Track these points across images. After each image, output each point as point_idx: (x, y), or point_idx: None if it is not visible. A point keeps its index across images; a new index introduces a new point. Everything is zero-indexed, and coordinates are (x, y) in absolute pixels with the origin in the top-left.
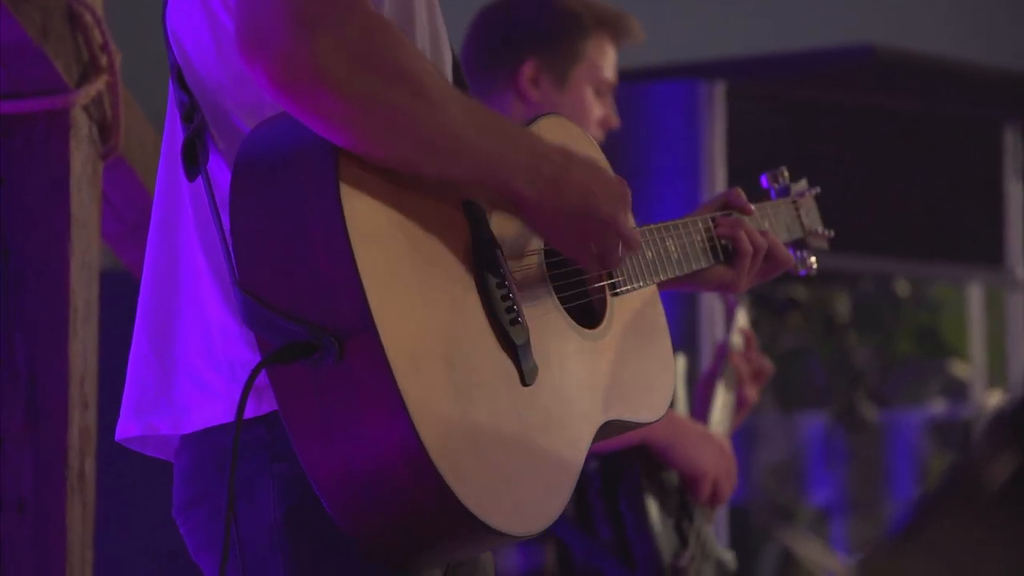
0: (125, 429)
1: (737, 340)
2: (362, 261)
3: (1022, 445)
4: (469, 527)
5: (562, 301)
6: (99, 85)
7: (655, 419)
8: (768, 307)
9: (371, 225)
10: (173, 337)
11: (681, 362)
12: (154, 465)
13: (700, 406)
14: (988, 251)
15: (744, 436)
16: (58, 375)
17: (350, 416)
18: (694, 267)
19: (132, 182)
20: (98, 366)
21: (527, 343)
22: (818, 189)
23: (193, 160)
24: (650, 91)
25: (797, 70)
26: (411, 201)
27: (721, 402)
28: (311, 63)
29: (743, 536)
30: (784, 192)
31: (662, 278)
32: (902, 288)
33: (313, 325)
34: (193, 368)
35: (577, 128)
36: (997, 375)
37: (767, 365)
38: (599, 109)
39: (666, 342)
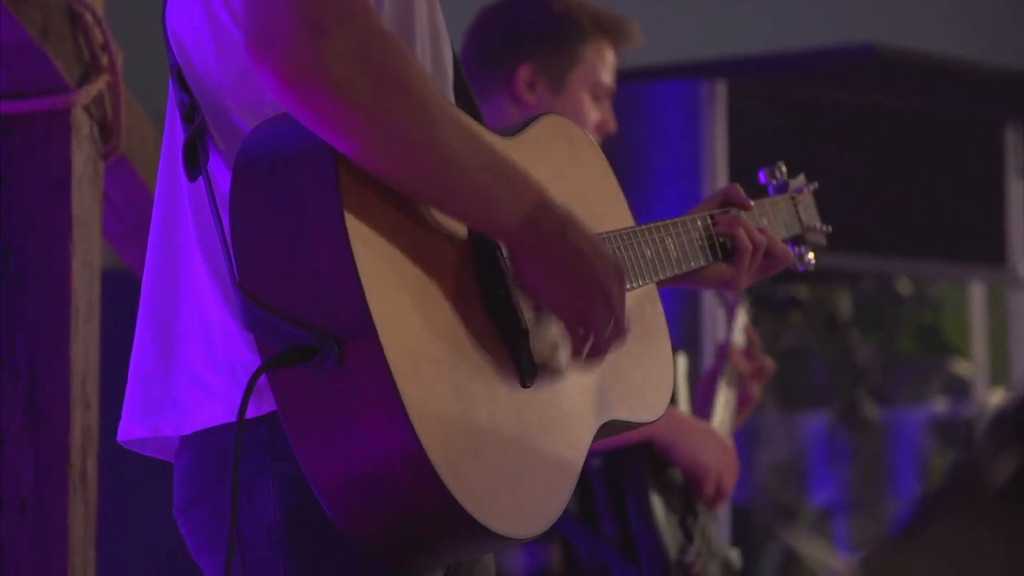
0: (129, 431)
1: (738, 339)
2: (362, 262)
3: None
4: (469, 528)
5: None
6: (100, 85)
7: (655, 418)
8: (769, 306)
9: (371, 225)
10: (174, 337)
11: (683, 362)
12: (154, 465)
13: (702, 405)
14: (989, 250)
15: (746, 435)
16: (59, 375)
17: (350, 419)
18: (693, 265)
19: (133, 182)
20: (99, 366)
21: (527, 344)
22: (816, 184)
23: (194, 160)
24: (650, 91)
25: (798, 69)
26: (411, 201)
27: (723, 401)
28: (317, 65)
29: (745, 535)
30: (782, 188)
31: (661, 277)
32: (904, 287)
33: (313, 328)
34: (193, 368)
35: (577, 128)
36: (999, 374)
37: (768, 363)
38: (596, 114)
39: (665, 341)
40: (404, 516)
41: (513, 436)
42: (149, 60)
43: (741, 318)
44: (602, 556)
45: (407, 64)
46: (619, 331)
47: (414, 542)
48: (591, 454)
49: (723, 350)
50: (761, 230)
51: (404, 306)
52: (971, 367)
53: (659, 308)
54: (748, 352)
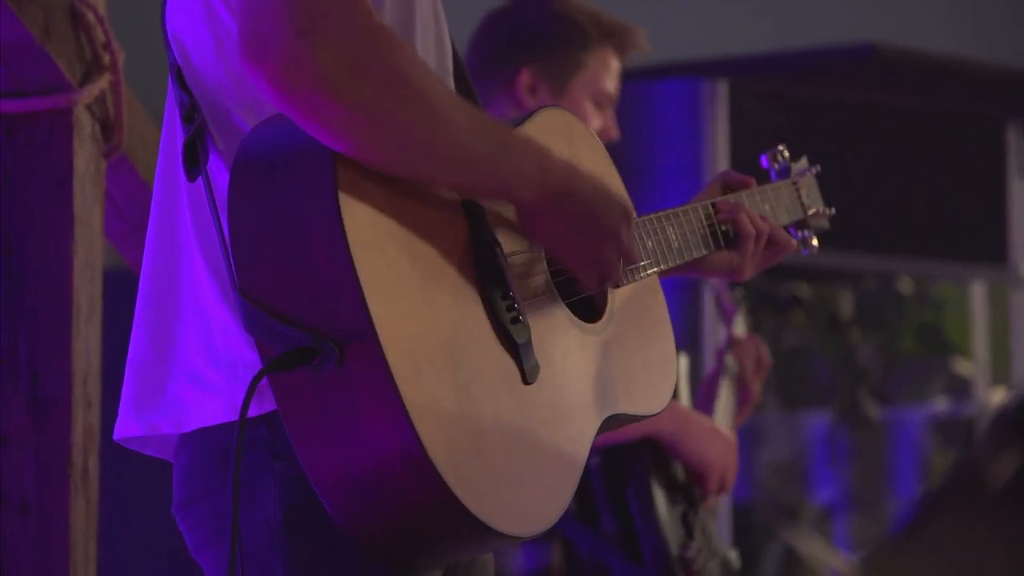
0: (125, 428)
1: (739, 332)
2: (361, 263)
3: None
4: (471, 528)
5: (562, 296)
6: (102, 84)
7: (658, 411)
8: (771, 305)
9: (370, 225)
10: (173, 336)
11: (684, 362)
12: (155, 463)
13: (704, 405)
14: (991, 249)
15: (747, 434)
16: (61, 374)
17: (351, 420)
18: (695, 255)
19: (135, 180)
20: (101, 365)
21: (528, 341)
22: (818, 167)
23: (194, 161)
24: (653, 89)
25: (799, 68)
26: (410, 200)
27: (724, 400)
28: (311, 68)
29: (746, 534)
30: (784, 172)
31: (663, 267)
32: (905, 286)
33: (313, 330)
34: (193, 367)
35: (577, 121)
36: (1000, 373)
37: (766, 357)
38: (598, 120)
39: (668, 333)
40: (405, 516)
41: (515, 435)
42: (151, 59)
43: (739, 321)
44: (603, 555)
45: (403, 56)
46: (630, 263)
47: (415, 542)
48: (591, 451)
49: (723, 351)
50: (763, 218)
51: (404, 307)
52: (972, 366)
53: (661, 299)
54: (747, 342)
